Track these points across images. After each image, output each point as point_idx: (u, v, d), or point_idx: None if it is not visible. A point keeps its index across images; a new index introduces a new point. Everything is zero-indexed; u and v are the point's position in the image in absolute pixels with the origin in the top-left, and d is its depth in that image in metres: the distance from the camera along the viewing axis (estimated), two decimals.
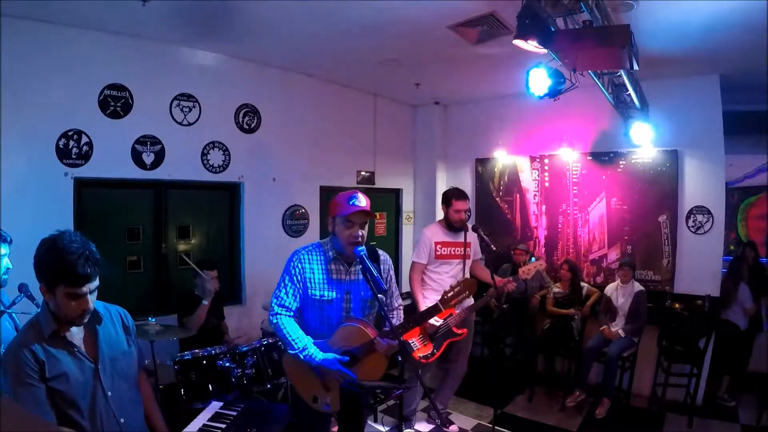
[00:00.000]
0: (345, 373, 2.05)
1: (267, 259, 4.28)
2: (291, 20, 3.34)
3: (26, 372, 1.46)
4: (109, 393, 1.62)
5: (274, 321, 2.15)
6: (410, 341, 3.25)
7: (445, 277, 3.49)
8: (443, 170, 6.10)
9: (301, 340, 2.10)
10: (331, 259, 2.20)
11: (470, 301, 3.49)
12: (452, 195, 3.52)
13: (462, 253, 3.52)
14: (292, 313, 2.17)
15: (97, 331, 1.65)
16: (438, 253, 3.49)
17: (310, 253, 2.21)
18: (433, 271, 3.52)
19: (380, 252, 2.34)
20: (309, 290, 2.17)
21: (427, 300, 3.44)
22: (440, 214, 3.64)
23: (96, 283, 1.54)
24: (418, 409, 3.80)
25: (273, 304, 2.17)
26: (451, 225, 3.51)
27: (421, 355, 3.27)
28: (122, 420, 1.65)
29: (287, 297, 2.16)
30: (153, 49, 3.69)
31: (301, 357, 2.08)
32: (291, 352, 2.12)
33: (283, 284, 2.18)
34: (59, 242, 1.48)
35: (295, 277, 2.17)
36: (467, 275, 3.51)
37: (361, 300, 2.23)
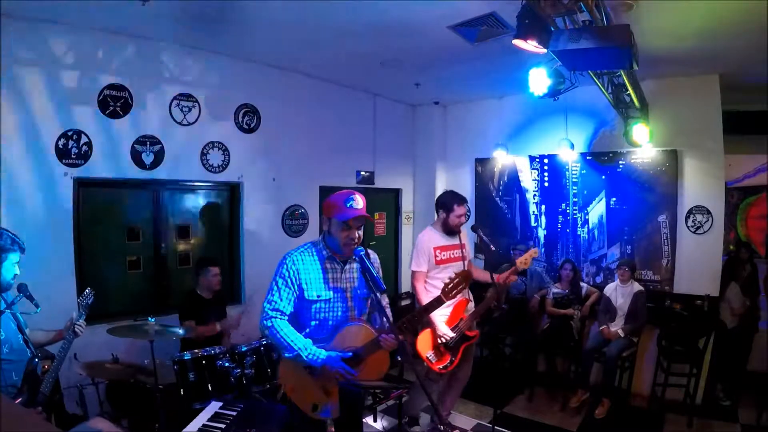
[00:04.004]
0: (348, 370, 2.00)
1: (267, 259, 4.23)
2: (291, 20, 3.34)
3: None
4: None
5: (269, 324, 2.05)
6: (426, 355, 3.22)
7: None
8: (443, 170, 6.09)
9: (301, 341, 2.03)
10: (326, 258, 2.15)
11: (472, 305, 3.48)
12: (454, 201, 3.40)
13: (460, 255, 3.47)
14: (286, 318, 2.09)
15: None
16: (438, 258, 3.40)
17: (302, 254, 2.14)
18: (435, 277, 3.39)
19: (369, 251, 2.28)
20: (305, 292, 2.09)
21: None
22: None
23: None
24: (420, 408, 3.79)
25: (266, 309, 2.07)
26: (451, 230, 3.44)
27: (441, 366, 3.24)
28: None
29: (281, 301, 2.07)
30: (153, 49, 3.69)
31: (304, 357, 2.00)
32: (290, 354, 2.02)
33: (276, 288, 2.09)
34: None
35: (289, 280, 2.08)
36: None
37: (358, 299, 2.22)
